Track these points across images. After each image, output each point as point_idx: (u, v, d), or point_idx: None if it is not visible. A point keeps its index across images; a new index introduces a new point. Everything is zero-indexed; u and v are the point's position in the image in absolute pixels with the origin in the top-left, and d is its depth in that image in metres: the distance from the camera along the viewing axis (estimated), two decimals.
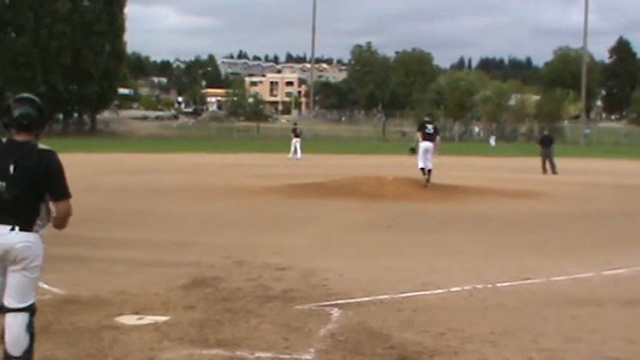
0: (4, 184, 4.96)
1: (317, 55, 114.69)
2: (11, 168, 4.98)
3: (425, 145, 21.45)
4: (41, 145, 5.16)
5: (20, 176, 4.98)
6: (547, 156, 31.56)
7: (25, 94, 5.33)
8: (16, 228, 5.00)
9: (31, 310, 5.12)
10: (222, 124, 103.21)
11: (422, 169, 21.12)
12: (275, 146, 44.01)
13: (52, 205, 5.22)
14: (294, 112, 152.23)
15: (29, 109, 5.11)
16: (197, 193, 20.56)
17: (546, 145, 32.08)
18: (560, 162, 31.93)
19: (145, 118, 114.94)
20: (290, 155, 40.44)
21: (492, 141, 75.25)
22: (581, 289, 8.89)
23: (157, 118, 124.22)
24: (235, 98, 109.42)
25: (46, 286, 7.43)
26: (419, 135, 21.92)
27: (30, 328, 5.08)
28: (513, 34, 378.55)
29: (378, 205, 17.58)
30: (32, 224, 5.06)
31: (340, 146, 64.63)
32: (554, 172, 30.57)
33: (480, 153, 53.58)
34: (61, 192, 5.17)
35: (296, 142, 41.45)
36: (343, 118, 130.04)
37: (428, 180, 20.98)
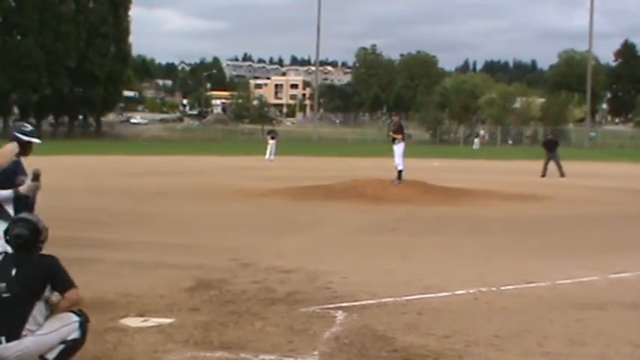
0: (4, 284, 5.22)
1: (321, 57, 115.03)
2: (13, 271, 5.27)
3: (403, 145, 21.49)
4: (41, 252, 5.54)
5: (21, 278, 5.25)
6: (552, 159, 31.48)
7: (23, 216, 5.71)
8: (3, 340, 5.15)
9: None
10: (226, 126, 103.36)
11: (402, 170, 21.11)
12: (280, 149, 44.00)
13: (54, 296, 5.43)
14: (299, 115, 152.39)
15: (22, 230, 5.45)
16: (202, 196, 20.58)
17: (551, 149, 32.03)
18: (564, 165, 31.84)
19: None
20: (272, 157, 41.30)
21: (476, 144, 74.88)
22: (586, 292, 8.87)
23: (162, 120, 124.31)
24: (240, 101, 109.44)
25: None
26: (399, 136, 21.83)
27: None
28: (518, 36, 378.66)
29: (382, 208, 17.57)
30: (20, 331, 5.20)
31: (345, 149, 64.69)
32: (561, 174, 30.42)
33: (485, 156, 53.49)
34: (67, 284, 5.44)
35: (272, 143, 42.43)
36: (338, 121, 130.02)
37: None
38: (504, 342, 6.66)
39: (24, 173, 7.23)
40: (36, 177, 7.27)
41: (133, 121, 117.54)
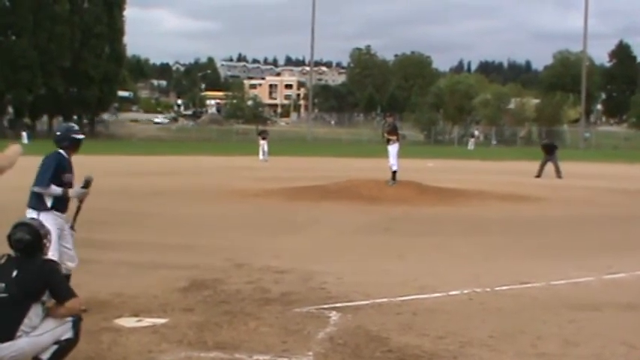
0: (3, 284, 5.20)
1: (316, 58, 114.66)
2: (14, 273, 5.25)
3: (398, 146, 21.43)
4: (45, 257, 5.55)
5: (21, 280, 5.22)
6: (550, 161, 31.50)
7: (24, 220, 5.70)
8: None
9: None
10: (221, 126, 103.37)
11: (397, 171, 21.06)
12: (274, 149, 43.98)
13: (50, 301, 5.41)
14: (293, 115, 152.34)
15: (23, 234, 5.41)
16: (197, 196, 20.56)
17: (549, 152, 32.10)
18: (559, 165, 31.87)
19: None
20: (266, 158, 41.32)
21: (471, 145, 74.88)
22: (581, 293, 8.87)
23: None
24: (234, 101, 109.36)
25: None
26: (394, 137, 21.68)
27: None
28: (512, 37, 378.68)
29: (377, 209, 17.56)
30: (15, 332, 5.17)
31: (339, 149, 64.66)
32: (559, 176, 30.42)
33: (479, 156, 53.53)
34: (67, 293, 5.41)
35: (263, 144, 42.39)
36: (332, 121, 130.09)
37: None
38: (499, 342, 6.66)
39: (72, 172, 7.53)
40: (87, 184, 7.38)
41: (156, 120, 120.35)
